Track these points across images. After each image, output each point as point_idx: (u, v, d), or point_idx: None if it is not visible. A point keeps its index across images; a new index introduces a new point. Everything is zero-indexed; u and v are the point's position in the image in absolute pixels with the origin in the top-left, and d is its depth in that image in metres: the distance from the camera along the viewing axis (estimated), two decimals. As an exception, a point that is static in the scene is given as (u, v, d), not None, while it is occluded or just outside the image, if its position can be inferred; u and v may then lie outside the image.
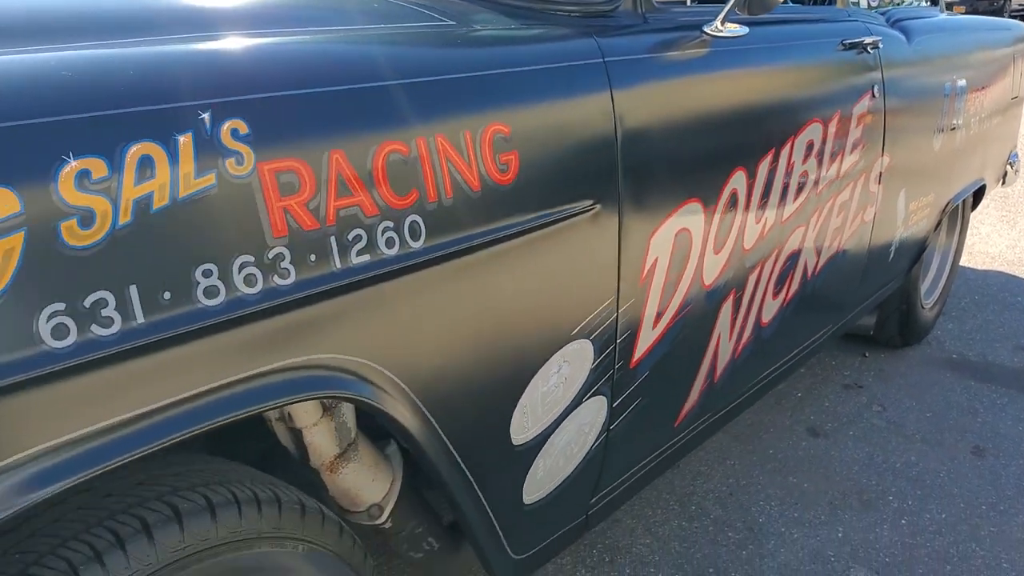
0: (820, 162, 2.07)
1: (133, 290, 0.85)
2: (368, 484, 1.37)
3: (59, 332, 0.80)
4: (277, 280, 0.97)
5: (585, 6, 1.54)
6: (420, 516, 1.50)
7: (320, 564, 1.13)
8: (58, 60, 0.88)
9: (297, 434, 1.28)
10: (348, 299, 1.05)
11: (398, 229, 1.09)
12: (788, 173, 1.93)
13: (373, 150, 1.06)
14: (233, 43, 1.04)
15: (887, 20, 2.67)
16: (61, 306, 0.80)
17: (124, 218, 0.84)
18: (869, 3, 2.80)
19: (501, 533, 1.42)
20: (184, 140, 0.89)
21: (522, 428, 1.38)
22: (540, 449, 1.44)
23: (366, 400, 1.09)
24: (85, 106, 0.83)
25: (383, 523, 1.42)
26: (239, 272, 0.93)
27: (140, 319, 0.85)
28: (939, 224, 3.13)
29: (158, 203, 0.86)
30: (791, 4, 2.42)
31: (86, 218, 0.81)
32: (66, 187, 0.80)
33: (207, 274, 0.91)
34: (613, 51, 1.47)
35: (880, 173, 2.45)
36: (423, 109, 1.14)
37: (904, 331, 3.29)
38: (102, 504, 0.96)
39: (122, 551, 0.92)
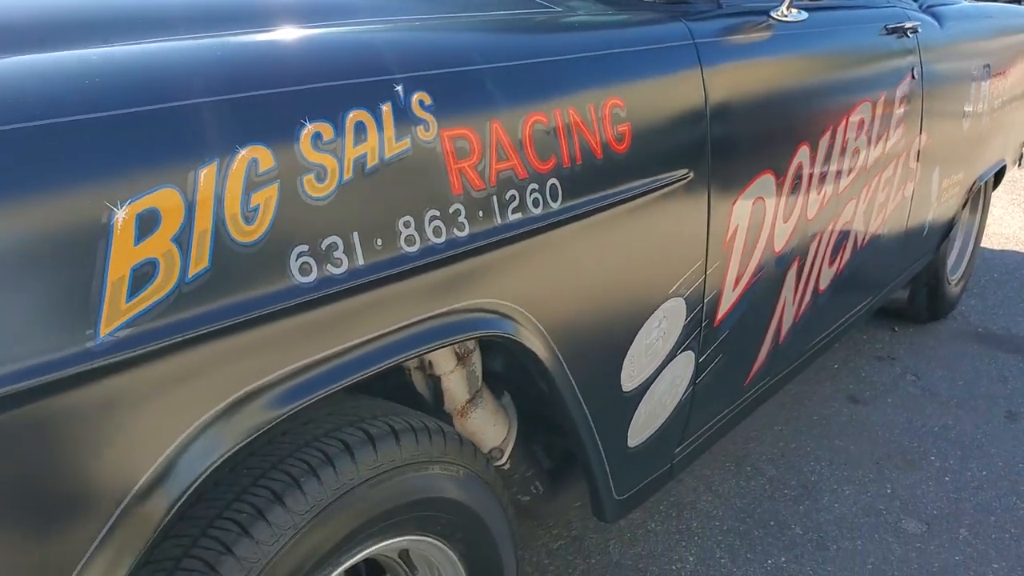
0: (869, 139, 2.22)
1: (355, 236, 0.99)
2: (490, 428, 1.52)
3: (304, 269, 0.94)
4: (456, 232, 1.11)
5: (668, -7, 1.69)
6: (529, 462, 1.65)
7: (473, 488, 1.28)
8: (294, 38, 1.02)
9: (436, 381, 1.42)
10: (503, 251, 1.20)
11: (542, 191, 1.24)
12: (843, 149, 2.08)
13: (522, 120, 1.20)
14: (411, 26, 1.19)
15: (920, 6, 2.81)
16: (305, 247, 0.94)
17: (347, 175, 0.98)
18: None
19: (609, 473, 1.56)
20: (386, 109, 1.03)
21: (630, 376, 1.53)
22: (643, 396, 1.59)
23: (513, 338, 1.23)
24: (316, 78, 0.98)
25: (502, 464, 1.56)
26: (429, 224, 1.08)
27: (361, 261, 1.00)
28: (966, 203, 3.28)
29: (370, 163, 1.01)
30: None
31: (320, 173, 0.95)
32: (305, 146, 0.94)
33: (407, 225, 1.05)
34: (700, 34, 1.61)
35: (919, 151, 2.59)
36: (557, 85, 1.28)
37: (932, 305, 3.44)
38: (305, 430, 1.10)
39: (331, 467, 1.06)
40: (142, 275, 0.80)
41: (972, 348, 3.35)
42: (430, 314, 1.10)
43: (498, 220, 1.17)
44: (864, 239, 2.37)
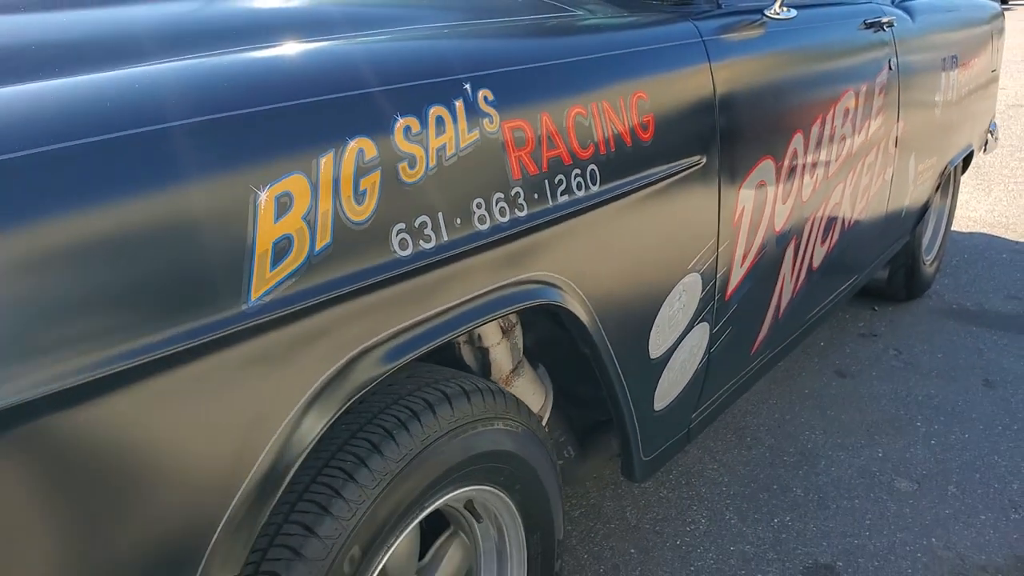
0: (854, 127, 2.39)
1: (440, 215, 1.13)
2: (530, 396, 1.66)
3: (403, 244, 1.08)
4: (516, 212, 1.26)
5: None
6: (563, 428, 1.80)
7: (529, 444, 1.42)
8: (382, 43, 1.16)
9: (483, 352, 1.56)
10: (553, 229, 1.34)
11: (583, 175, 1.39)
12: (832, 136, 2.25)
13: (565, 112, 1.35)
14: (472, 30, 1.33)
15: (892, 1, 3.00)
16: (403, 225, 1.08)
17: (431, 162, 1.12)
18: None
19: (639, 434, 1.71)
20: (459, 104, 1.18)
21: (656, 344, 1.68)
22: (666, 363, 1.74)
23: (564, 306, 1.38)
24: (402, 78, 1.12)
25: (542, 430, 1.70)
26: (496, 204, 1.22)
27: (445, 237, 1.14)
28: (938, 186, 3.47)
29: (449, 151, 1.15)
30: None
31: (411, 161, 1.10)
32: (399, 138, 1.08)
33: (479, 206, 1.19)
34: (706, 31, 1.77)
35: (896, 137, 2.78)
36: (592, 80, 1.43)
37: (909, 285, 3.63)
38: (391, 390, 1.25)
39: (418, 421, 1.21)
40: (281, 248, 0.94)
41: (948, 324, 3.54)
42: (498, 284, 1.25)
43: (549, 201, 1.32)
44: (851, 220, 2.54)
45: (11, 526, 0.77)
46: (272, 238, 0.93)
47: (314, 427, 1.01)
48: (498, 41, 1.36)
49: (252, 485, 0.95)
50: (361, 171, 1.03)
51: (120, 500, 0.85)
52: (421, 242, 1.11)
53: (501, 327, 1.56)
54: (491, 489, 1.38)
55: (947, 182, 3.85)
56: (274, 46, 1.12)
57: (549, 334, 1.70)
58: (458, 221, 1.16)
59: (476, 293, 1.21)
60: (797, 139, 2.06)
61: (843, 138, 2.33)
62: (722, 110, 1.75)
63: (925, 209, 3.38)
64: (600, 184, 1.42)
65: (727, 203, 1.80)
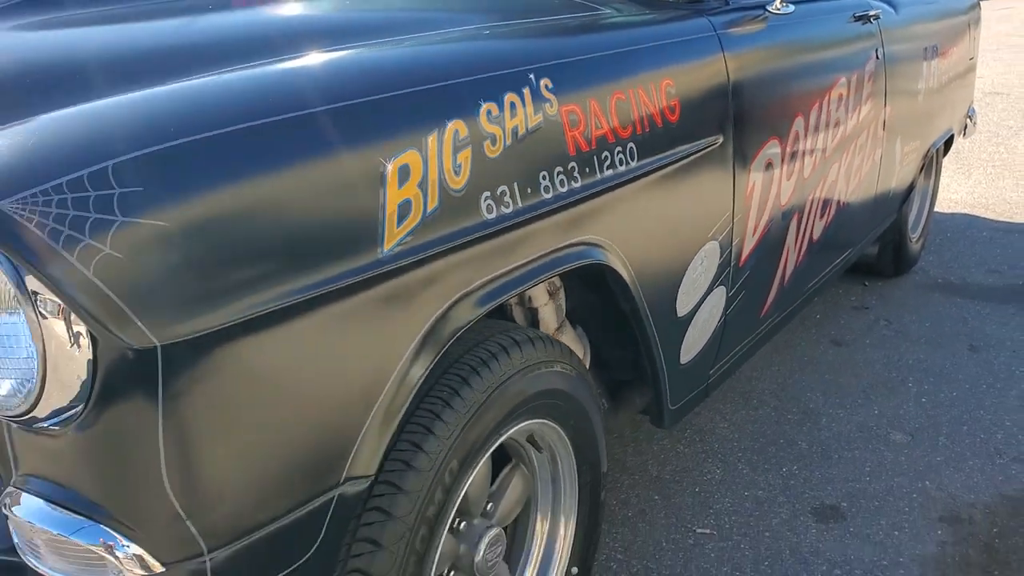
0: (847, 111, 2.62)
1: (515, 185, 1.35)
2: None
3: (489, 209, 1.30)
4: (572, 183, 1.48)
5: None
6: (597, 380, 2.02)
7: (580, 385, 1.64)
8: (461, 41, 1.38)
9: (533, 312, 1.78)
10: (601, 199, 1.56)
11: (624, 151, 1.61)
12: (828, 119, 2.48)
13: (609, 97, 1.58)
14: (523, 28, 1.56)
15: (876, -5, 3.23)
16: (488, 193, 1.30)
17: (508, 140, 1.34)
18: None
19: (668, 384, 1.94)
20: (526, 92, 1.40)
21: (682, 303, 1.91)
22: (691, 321, 1.97)
23: (609, 265, 1.60)
24: (482, 70, 1.34)
25: (582, 382, 1.93)
26: (556, 176, 1.44)
27: (519, 204, 1.36)
28: (922, 167, 3.71)
29: (520, 131, 1.37)
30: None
31: (493, 139, 1.32)
32: (483, 120, 1.30)
33: (544, 177, 1.42)
34: (718, 26, 2.00)
35: (884, 121, 3.01)
36: (629, 70, 1.65)
37: (897, 261, 3.88)
38: (472, 337, 1.46)
39: (496, 361, 1.43)
40: (403, 209, 1.16)
41: (934, 296, 3.79)
42: (559, 245, 1.47)
43: (597, 174, 1.54)
44: (845, 197, 2.78)
45: (225, 421, 0.99)
46: (397, 201, 1.15)
47: (427, 358, 1.23)
48: (550, 37, 1.58)
49: (386, 401, 1.18)
50: (457, 147, 1.25)
51: (297, 405, 1.07)
52: (502, 207, 1.33)
53: (548, 290, 1.78)
54: (549, 423, 1.60)
55: (930, 164, 4.09)
56: (376, 44, 1.34)
57: (585, 300, 1.92)
58: (528, 190, 1.38)
59: (543, 252, 1.43)
60: (798, 122, 2.29)
61: (837, 122, 2.56)
62: (735, 96, 1.97)
63: (911, 189, 3.62)
64: (637, 160, 1.65)
65: (740, 179, 2.03)
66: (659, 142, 1.71)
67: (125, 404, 0.93)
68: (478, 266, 1.30)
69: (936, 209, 4.85)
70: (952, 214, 4.94)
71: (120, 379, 0.92)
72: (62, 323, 0.89)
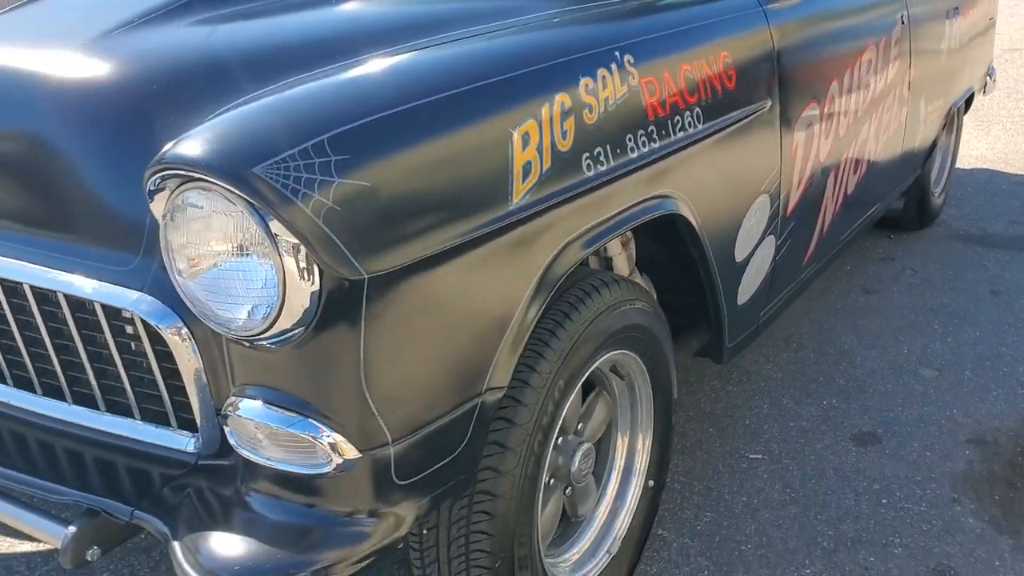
0: (876, 74, 2.85)
1: (608, 146, 1.60)
2: (642, 295, 2.14)
3: (588, 167, 1.55)
4: (652, 144, 1.73)
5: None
6: (661, 322, 2.27)
7: (655, 321, 1.89)
8: (558, 28, 1.63)
9: (607, 261, 2.03)
10: (674, 157, 1.81)
11: (692, 115, 1.85)
12: (859, 82, 2.71)
13: (679, 69, 1.82)
14: (606, 12, 1.80)
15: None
16: (587, 153, 1.55)
17: (601, 109, 1.59)
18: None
19: (726, 322, 2.19)
20: (613, 67, 1.64)
21: (739, 250, 2.16)
22: (746, 266, 2.22)
23: (683, 215, 1.85)
24: (579, 50, 1.59)
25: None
26: (639, 139, 1.69)
27: (611, 162, 1.61)
28: (944, 125, 3.93)
29: (611, 101, 1.62)
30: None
31: (590, 108, 1.56)
32: (582, 92, 1.55)
33: (630, 139, 1.66)
34: (763, 1, 2.23)
35: (909, 82, 3.23)
36: (693, 44, 1.89)
37: (921, 214, 4.11)
38: (569, 279, 1.71)
39: (590, 298, 1.68)
40: (526, 169, 1.42)
41: (957, 246, 4.02)
42: (642, 198, 1.72)
43: (671, 136, 1.79)
44: (875, 154, 3.01)
45: (406, 338, 1.26)
46: (521, 162, 1.41)
47: (544, 292, 1.49)
48: (627, 19, 1.82)
49: (515, 326, 1.44)
50: (563, 116, 1.50)
51: (454, 327, 1.33)
52: (598, 166, 1.58)
53: (621, 241, 2.04)
54: (631, 354, 1.86)
55: (952, 121, 4.30)
56: (489, 33, 1.59)
57: (650, 251, 2.16)
58: (618, 150, 1.63)
59: (631, 203, 1.68)
60: (834, 85, 2.52)
61: (867, 84, 2.79)
62: (779, 62, 2.21)
63: (934, 146, 3.84)
64: (703, 123, 1.89)
65: (786, 138, 2.27)
66: (720, 106, 1.95)
67: (336, 325, 1.20)
68: (581, 216, 1.56)
69: (957, 165, 5.07)
70: (972, 169, 5.15)
71: (335, 305, 1.18)
72: (294, 261, 1.15)
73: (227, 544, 1.29)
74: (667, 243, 2.02)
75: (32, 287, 1.43)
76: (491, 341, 1.42)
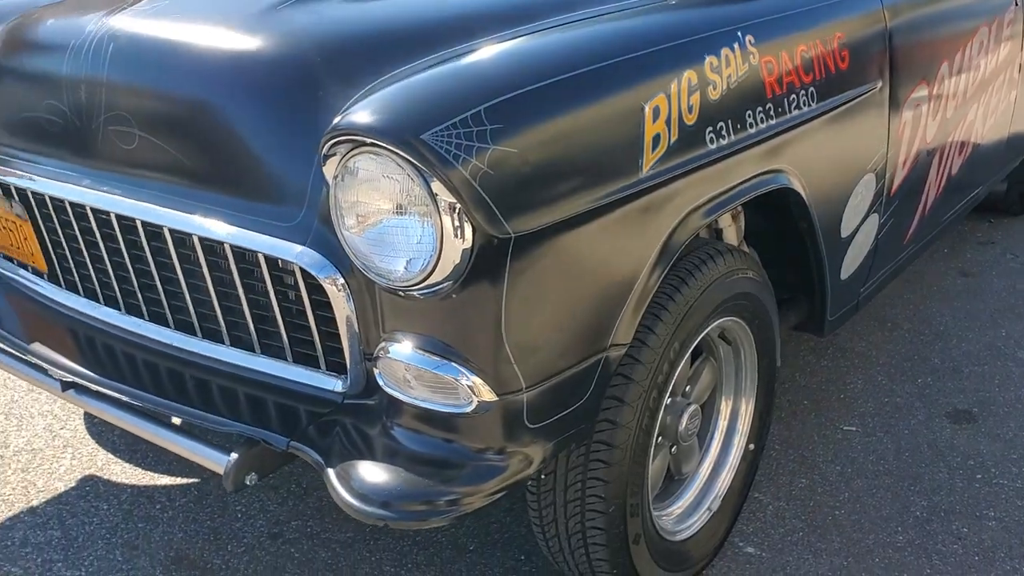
0: (987, 55, 2.86)
1: (730, 122, 1.69)
2: (747, 267, 2.22)
3: (711, 140, 1.64)
4: (770, 120, 1.80)
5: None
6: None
7: (763, 290, 1.97)
8: (683, 11, 1.72)
9: (718, 232, 2.12)
10: (789, 134, 1.88)
11: (807, 94, 1.92)
12: (970, 63, 2.72)
13: (796, 48, 1.89)
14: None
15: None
16: (711, 127, 1.64)
17: (724, 86, 1.68)
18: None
19: (829, 295, 2.26)
20: (736, 46, 1.72)
21: (845, 226, 2.22)
22: (850, 243, 2.28)
23: (794, 189, 1.93)
24: (705, 30, 1.67)
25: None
26: (758, 115, 1.77)
27: (733, 137, 1.70)
28: (1053, 108, 3.88)
29: (733, 79, 1.70)
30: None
31: (714, 85, 1.65)
32: (707, 70, 1.64)
33: (749, 115, 1.74)
34: (879, -18, 2.27)
35: (1020, 64, 3.22)
36: (809, 25, 1.96)
37: (1023, 198, 4.07)
38: (687, 248, 1.81)
39: (705, 265, 1.77)
40: (655, 140, 1.51)
41: (1059, 232, 3.98)
42: (759, 171, 1.80)
43: (787, 113, 1.86)
44: (981, 136, 3.02)
45: (543, 293, 1.38)
46: (651, 134, 1.51)
47: (667, 257, 1.60)
48: (748, 1, 1.90)
49: (639, 287, 1.55)
50: (690, 92, 1.59)
51: (586, 285, 1.45)
52: (720, 139, 1.67)
53: (732, 214, 2.12)
54: (739, 320, 1.95)
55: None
56: (620, 13, 1.69)
57: (757, 225, 2.24)
58: (739, 125, 1.72)
59: (748, 176, 1.77)
60: (944, 67, 2.55)
61: (978, 66, 2.80)
62: (891, 44, 2.25)
63: (1041, 129, 3.80)
64: (816, 102, 1.96)
65: (894, 118, 2.32)
66: (833, 86, 2.01)
67: (483, 279, 1.32)
68: (703, 186, 1.65)
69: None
70: (1079, 155, 5.04)
71: (483, 260, 1.30)
72: (451, 220, 1.27)
73: (375, 472, 1.43)
74: (774, 218, 2.09)
75: (200, 238, 1.59)
76: (617, 301, 1.53)
